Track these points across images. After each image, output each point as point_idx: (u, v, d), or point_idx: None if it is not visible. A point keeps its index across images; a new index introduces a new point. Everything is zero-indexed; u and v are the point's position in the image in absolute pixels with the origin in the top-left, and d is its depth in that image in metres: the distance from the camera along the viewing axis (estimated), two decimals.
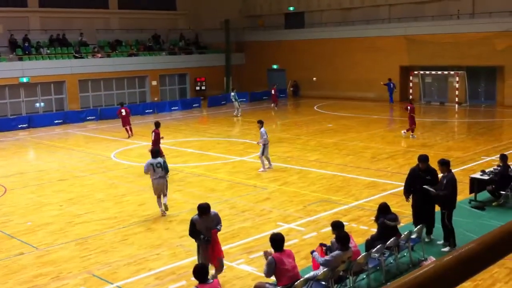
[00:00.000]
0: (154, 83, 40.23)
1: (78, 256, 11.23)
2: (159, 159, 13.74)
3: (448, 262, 1.28)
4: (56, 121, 31.56)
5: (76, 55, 36.83)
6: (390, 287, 1.21)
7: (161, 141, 18.75)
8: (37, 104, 34.78)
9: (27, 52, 35.31)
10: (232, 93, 34.59)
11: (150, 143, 18.93)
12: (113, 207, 14.74)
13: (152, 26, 43.30)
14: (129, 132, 26.71)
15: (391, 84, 36.60)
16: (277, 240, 8.26)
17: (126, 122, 26.78)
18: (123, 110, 27.03)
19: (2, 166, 20.85)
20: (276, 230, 12.31)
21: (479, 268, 1.34)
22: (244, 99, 41.36)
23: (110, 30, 41.61)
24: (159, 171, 13.37)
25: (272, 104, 36.51)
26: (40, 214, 14.32)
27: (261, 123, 18.31)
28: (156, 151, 14.35)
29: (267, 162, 18.28)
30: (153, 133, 18.54)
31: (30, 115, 32.80)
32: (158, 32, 43.58)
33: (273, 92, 36.57)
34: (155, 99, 39.79)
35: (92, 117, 33.28)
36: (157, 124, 18.93)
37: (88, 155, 22.58)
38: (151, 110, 36.16)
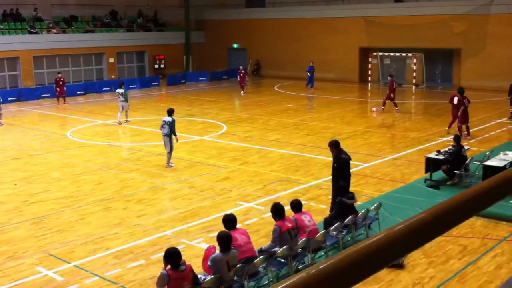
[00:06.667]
0: (111, 60, 39.44)
1: (33, 236, 11.02)
2: None
3: (399, 230, 1.32)
4: (10, 98, 30.65)
5: (31, 30, 35.73)
6: (345, 252, 1.23)
7: None
8: None
9: None
10: (120, 90, 23.59)
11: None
12: (69, 186, 14.49)
13: (109, 1, 42.27)
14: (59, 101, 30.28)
15: (312, 68, 34.60)
16: (228, 221, 8.59)
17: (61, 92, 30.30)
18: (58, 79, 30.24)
19: None
20: (235, 210, 12.39)
21: (429, 237, 1.38)
22: (204, 78, 41.11)
23: (65, 5, 40.38)
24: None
25: (242, 91, 33.08)
26: None
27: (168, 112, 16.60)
28: None
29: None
30: None
31: None
32: (115, 8, 42.62)
33: (241, 74, 33.02)
34: (112, 76, 39.05)
35: (47, 95, 32.44)
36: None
37: (43, 133, 22.06)
38: (108, 88, 35.32)
